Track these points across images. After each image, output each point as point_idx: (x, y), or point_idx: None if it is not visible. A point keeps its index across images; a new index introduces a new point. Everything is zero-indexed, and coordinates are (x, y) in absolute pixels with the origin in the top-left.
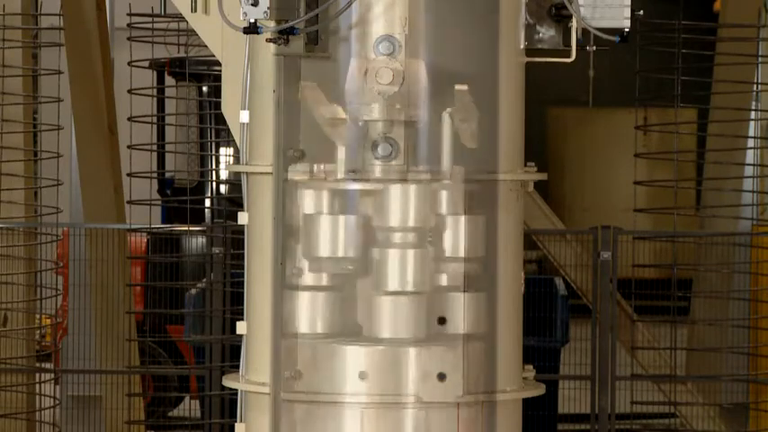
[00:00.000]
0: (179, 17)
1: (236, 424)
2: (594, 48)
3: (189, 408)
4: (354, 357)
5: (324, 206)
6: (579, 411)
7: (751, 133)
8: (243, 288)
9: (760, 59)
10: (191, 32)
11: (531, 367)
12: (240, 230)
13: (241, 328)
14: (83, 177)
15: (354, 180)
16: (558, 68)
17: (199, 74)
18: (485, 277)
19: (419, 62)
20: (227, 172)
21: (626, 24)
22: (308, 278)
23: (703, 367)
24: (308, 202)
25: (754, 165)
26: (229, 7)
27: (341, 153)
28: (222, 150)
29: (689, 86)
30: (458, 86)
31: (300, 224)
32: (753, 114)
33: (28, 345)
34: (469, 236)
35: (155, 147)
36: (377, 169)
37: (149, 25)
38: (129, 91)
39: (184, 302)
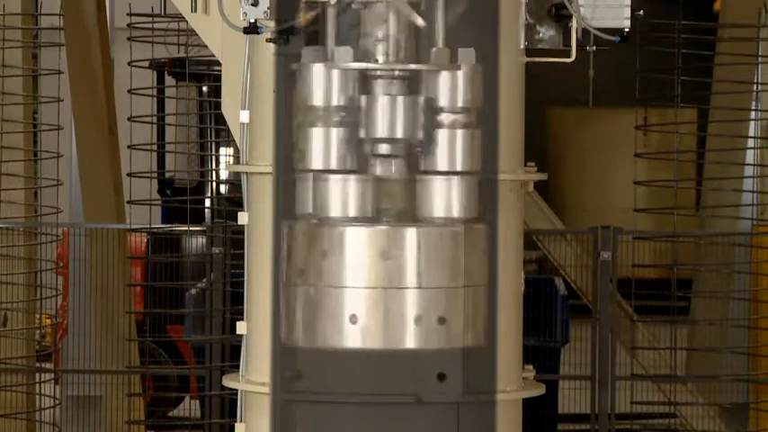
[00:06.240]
0: (179, 17)
1: (236, 424)
2: (594, 48)
3: (189, 408)
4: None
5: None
6: (579, 411)
7: (751, 133)
8: (243, 288)
9: (760, 59)
10: (191, 32)
11: (531, 367)
12: (240, 230)
13: (241, 328)
14: (83, 177)
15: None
16: (558, 68)
17: (199, 74)
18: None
19: None
20: (227, 172)
21: (626, 24)
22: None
23: (703, 367)
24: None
25: (754, 165)
26: (229, 7)
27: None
28: (222, 150)
29: (689, 86)
30: None
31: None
32: (753, 114)
33: (28, 345)
34: (467, 86)
35: (155, 147)
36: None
37: (149, 25)
38: (130, 91)
39: (184, 302)
